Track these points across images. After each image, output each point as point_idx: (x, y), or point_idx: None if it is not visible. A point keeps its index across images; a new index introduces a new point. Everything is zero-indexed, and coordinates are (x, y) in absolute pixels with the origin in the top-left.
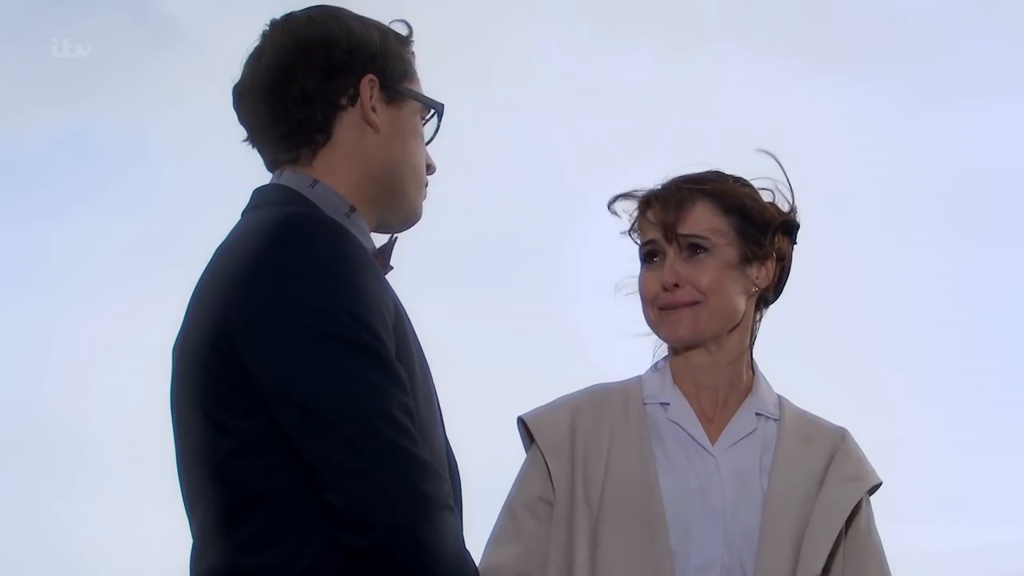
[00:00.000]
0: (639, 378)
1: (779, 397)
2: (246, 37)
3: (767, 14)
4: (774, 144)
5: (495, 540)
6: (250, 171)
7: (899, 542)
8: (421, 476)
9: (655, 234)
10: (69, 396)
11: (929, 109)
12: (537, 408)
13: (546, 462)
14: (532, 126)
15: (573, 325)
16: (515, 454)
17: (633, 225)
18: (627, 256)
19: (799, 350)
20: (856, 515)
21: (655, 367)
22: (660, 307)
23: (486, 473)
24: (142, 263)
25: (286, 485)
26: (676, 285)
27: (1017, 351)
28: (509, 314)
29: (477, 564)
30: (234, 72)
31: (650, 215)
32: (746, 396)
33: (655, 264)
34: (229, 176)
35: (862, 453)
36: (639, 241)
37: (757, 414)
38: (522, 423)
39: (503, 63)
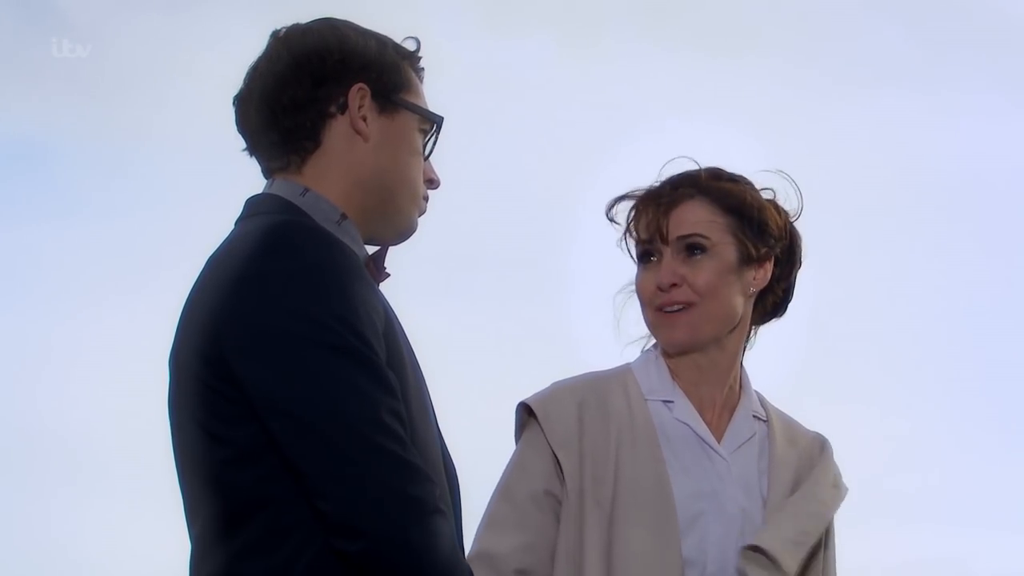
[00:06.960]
0: (629, 368)
1: (758, 394)
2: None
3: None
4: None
5: (493, 525)
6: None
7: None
8: (411, 480)
9: (650, 234)
10: (65, 401)
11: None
12: (539, 394)
13: (555, 455)
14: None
15: (569, 329)
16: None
17: (628, 227)
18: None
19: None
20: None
21: (645, 358)
22: (657, 308)
23: (483, 479)
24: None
25: (280, 493)
26: (674, 285)
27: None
28: (505, 319)
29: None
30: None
31: (645, 215)
32: (740, 397)
33: (652, 264)
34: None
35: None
36: (635, 241)
37: (753, 416)
38: (525, 408)
39: None
